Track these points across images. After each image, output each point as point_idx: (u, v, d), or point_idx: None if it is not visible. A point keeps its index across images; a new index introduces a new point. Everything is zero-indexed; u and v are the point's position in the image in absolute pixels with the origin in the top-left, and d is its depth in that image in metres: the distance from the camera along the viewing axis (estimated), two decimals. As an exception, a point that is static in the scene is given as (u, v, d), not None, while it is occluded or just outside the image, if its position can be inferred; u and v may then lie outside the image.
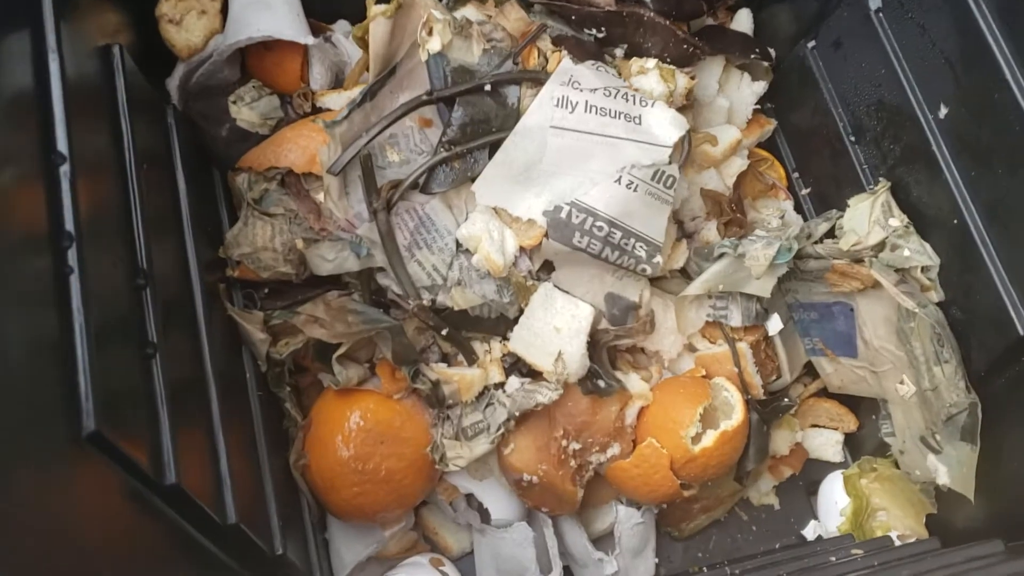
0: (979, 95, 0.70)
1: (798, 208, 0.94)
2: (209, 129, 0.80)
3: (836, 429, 0.92)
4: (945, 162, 0.75)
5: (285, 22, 0.78)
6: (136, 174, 0.61)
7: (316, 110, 0.82)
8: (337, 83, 0.84)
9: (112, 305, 0.53)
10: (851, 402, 0.90)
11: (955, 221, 0.74)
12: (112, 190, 0.59)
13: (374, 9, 0.72)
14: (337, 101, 0.81)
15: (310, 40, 0.78)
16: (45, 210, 0.50)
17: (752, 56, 0.89)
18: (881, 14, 0.80)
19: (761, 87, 0.92)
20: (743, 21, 0.97)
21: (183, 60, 0.81)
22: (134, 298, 0.57)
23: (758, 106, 0.93)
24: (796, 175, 0.95)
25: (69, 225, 0.50)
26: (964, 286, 0.75)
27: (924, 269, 0.78)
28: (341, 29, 0.86)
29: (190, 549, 0.59)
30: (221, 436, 0.64)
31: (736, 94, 0.91)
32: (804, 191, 0.94)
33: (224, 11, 0.81)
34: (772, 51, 0.94)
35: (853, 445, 0.92)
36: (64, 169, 0.51)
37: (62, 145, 0.52)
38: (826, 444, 0.92)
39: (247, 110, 0.80)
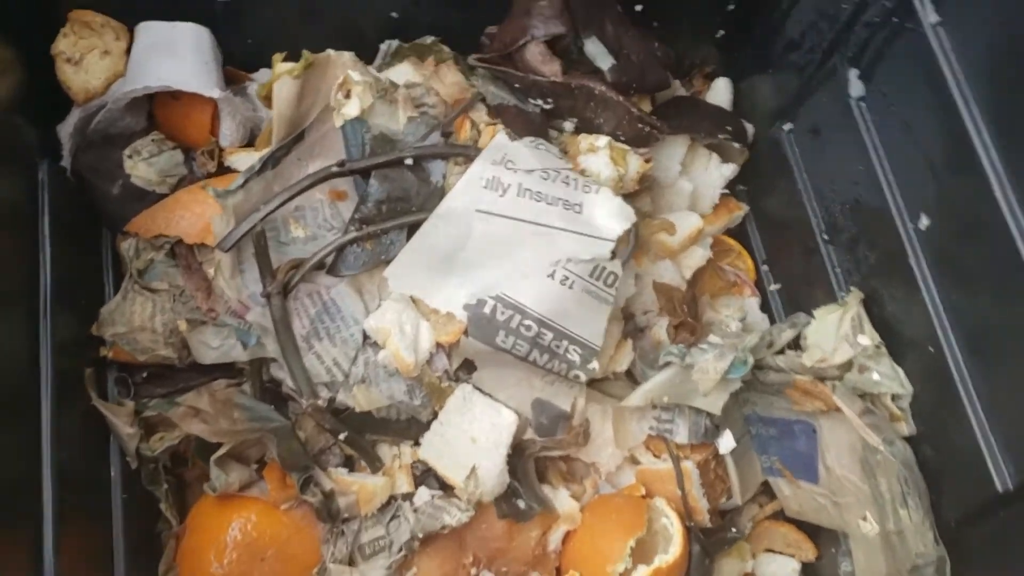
0: (964, 209, 0.61)
1: (765, 305, 0.85)
2: (99, 185, 0.71)
3: (792, 556, 0.82)
4: (924, 279, 0.65)
5: (191, 71, 0.70)
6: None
7: (224, 170, 0.73)
8: (250, 140, 0.75)
9: None
10: (810, 528, 0.80)
11: (931, 348, 0.65)
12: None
13: (279, 67, 0.63)
14: (247, 161, 0.72)
15: (216, 93, 0.70)
16: None
17: (722, 136, 0.80)
18: (863, 103, 0.71)
19: (731, 170, 0.83)
20: (721, 92, 0.89)
21: (79, 105, 0.72)
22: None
23: (727, 190, 0.84)
24: (766, 268, 0.86)
25: None
26: (939, 422, 0.66)
27: (895, 397, 0.68)
28: (263, 79, 0.77)
29: None
30: (51, 545, 0.55)
31: (702, 176, 0.82)
32: (773, 286, 0.85)
33: (128, 52, 0.73)
34: (750, 128, 0.85)
35: (811, 576, 0.82)
36: None
37: None
38: (780, 572, 0.82)
39: (144, 166, 0.71)
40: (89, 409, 0.64)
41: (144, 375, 0.68)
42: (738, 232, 0.88)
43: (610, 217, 0.67)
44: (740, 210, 0.86)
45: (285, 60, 0.64)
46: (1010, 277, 0.58)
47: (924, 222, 0.65)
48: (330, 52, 0.64)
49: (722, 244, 0.85)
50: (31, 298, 0.60)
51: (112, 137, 0.73)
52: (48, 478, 0.57)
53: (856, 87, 0.71)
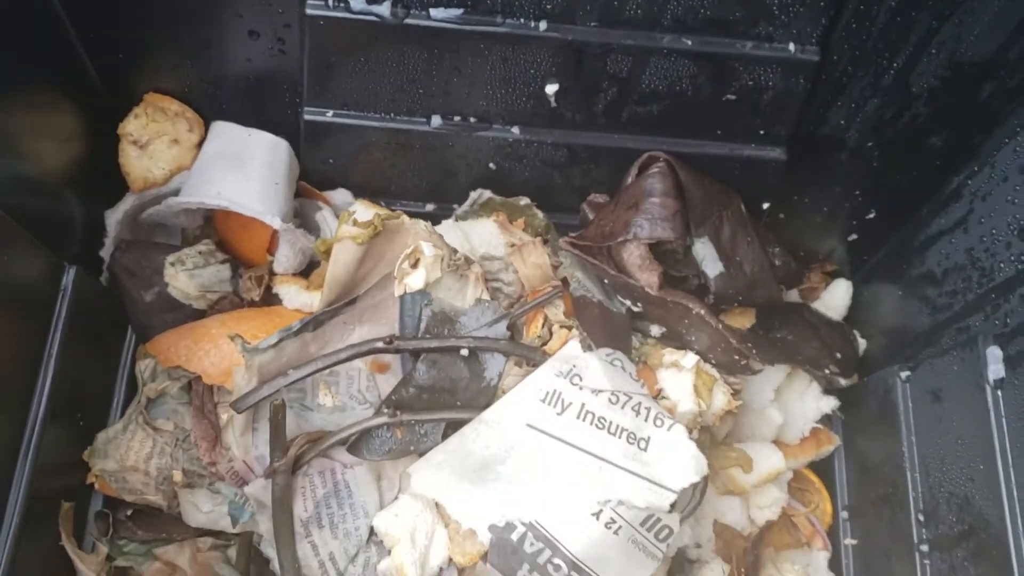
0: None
1: (837, 563, 0.74)
2: (132, 289, 0.65)
3: None
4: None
5: (257, 190, 0.63)
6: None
7: (269, 295, 0.66)
8: (306, 271, 0.68)
9: None
10: None
11: None
12: None
13: (344, 230, 0.56)
14: (295, 296, 0.65)
15: (278, 224, 0.63)
16: None
17: (827, 370, 0.70)
18: (1000, 391, 0.60)
19: (829, 404, 0.73)
20: (839, 295, 0.80)
21: (134, 192, 0.67)
22: None
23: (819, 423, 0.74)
24: (845, 516, 0.75)
25: None
26: None
27: None
28: (341, 199, 0.70)
29: None
30: None
31: (796, 405, 0.72)
32: (849, 541, 0.74)
33: (200, 145, 0.67)
34: (863, 344, 0.75)
35: None
36: None
37: None
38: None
39: (185, 277, 0.65)
40: (57, 547, 0.57)
41: (128, 513, 0.61)
42: (823, 465, 0.77)
43: (679, 464, 0.58)
44: (831, 444, 0.75)
45: (356, 220, 0.56)
46: None
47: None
48: (404, 219, 0.57)
49: (802, 478, 0.75)
50: (22, 410, 0.53)
51: (163, 227, 0.68)
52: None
53: (995, 368, 0.61)
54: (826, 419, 0.77)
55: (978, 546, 0.60)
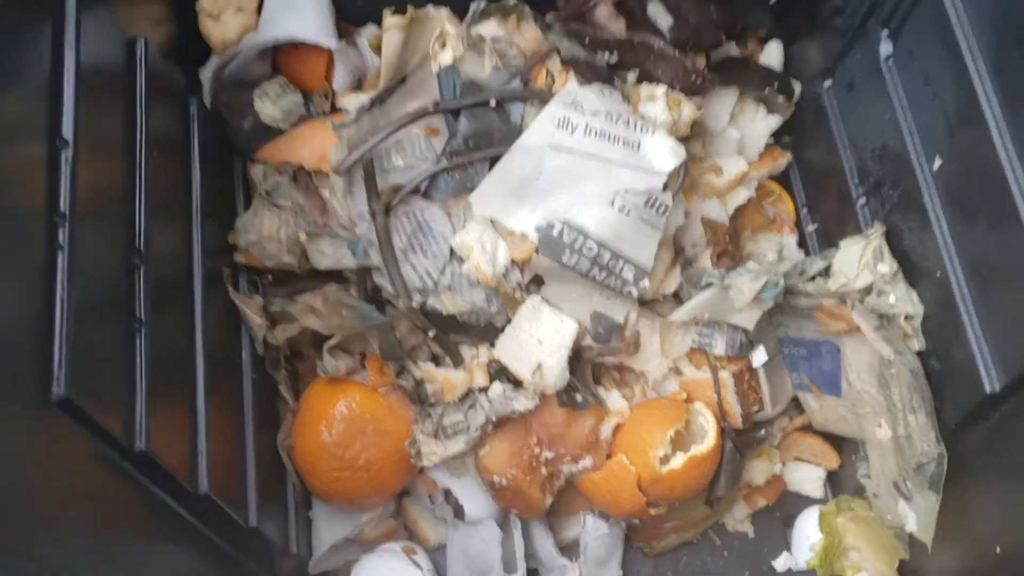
0: (969, 152, 0.71)
1: (803, 243, 0.95)
2: (233, 121, 0.85)
3: (819, 465, 0.93)
4: (935, 214, 0.75)
5: (312, 25, 0.83)
6: (145, 161, 0.66)
7: (335, 109, 0.86)
8: (358, 85, 0.88)
9: (100, 282, 0.58)
10: (835, 440, 0.91)
11: (939, 274, 0.75)
12: (117, 175, 0.63)
13: (388, 20, 0.76)
14: (355, 103, 0.84)
15: (333, 44, 0.82)
16: (44, 190, 0.54)
17: (768, 89, 0.90)
18: (891, 61, 0.80)
19: (775, 121, 0.93)
20: (773, 53, 0.98)
21: (217, 52, 0.86)
22: (127, 276, 0.62)
23: (771, 141, 0.94)
24: (805, 210, 0.96)
25: (64, 206, 0.55)
26: (943, 338, 0.76)
27: (908, 317, 0.78)
28: (368, 33, 0.90)
29: (164, 516, 0.64)
30: (203, 411, 0.69)
31: (749, 126, 0.92)
32: (811, 227, 0.95)
33: (259, 9, 0.86)
34: (798, 86, 0.95)
35: (834, 483, 0.93)
36: (66, 154, 0.56)
37: (67, 132, 0.57)
38: (808, 479, 0.93)
39: (270, 105, 0.85)
40: (228, 302, 0.78)
41: (269, 278, 0.82)
42: (782, 179, 0.98)
43: (664, 154, 0.78)
44: (784, 158, 0.96)
45: (393, 14, 0.77)
46: (1004, 213, 0.67)
47: (937, 163, 0.75)
48: (430, 9, 0.77)
49: (766, 188, 0.96)
50: (186, 209, 0.74)
51: (243, 81, 0.87)
52: (200, 353, 0.70)
53: (885, 47, 0.80)
54: (779, 144, 0.98)
55: (896, 176, 0.81)
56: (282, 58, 0.87)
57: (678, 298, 0.87)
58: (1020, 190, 0.66)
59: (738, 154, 0.91)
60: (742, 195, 0.90)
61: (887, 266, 0.80)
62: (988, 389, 0.70)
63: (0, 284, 0.49)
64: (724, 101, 0.89)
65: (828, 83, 0.90)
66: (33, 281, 0.52)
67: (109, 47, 0.66)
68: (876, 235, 0.81)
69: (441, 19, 0.77)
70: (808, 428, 0.92)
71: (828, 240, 0.92)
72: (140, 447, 0.59)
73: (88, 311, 0.55)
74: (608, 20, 0.80)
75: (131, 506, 0.60)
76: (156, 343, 0.63)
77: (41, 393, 0.51)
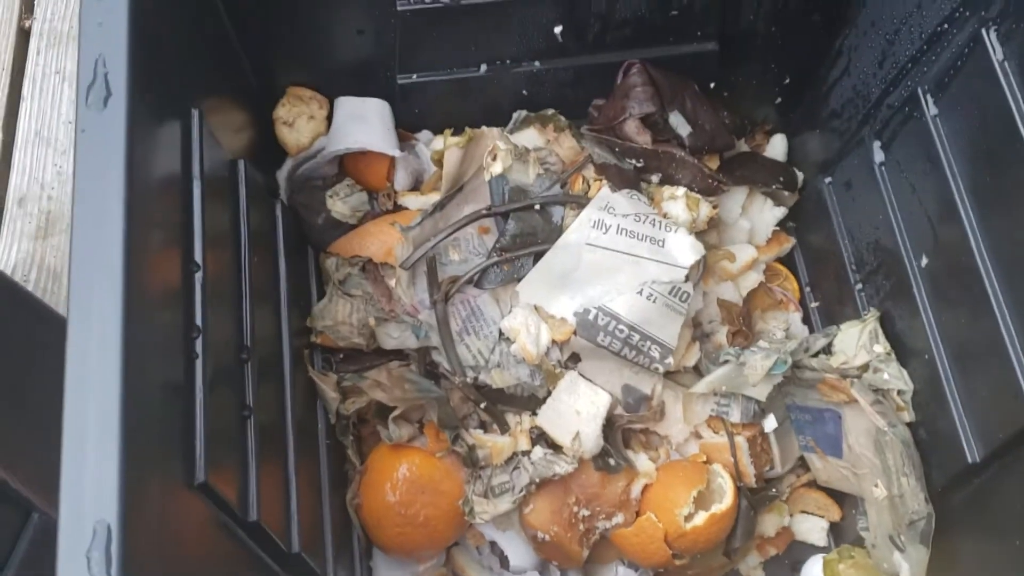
0: (951, 253, 0.82)
1: (807, 319, 1.07)
2: (308, 218, 0.97)
3: (822, 517, 1.04)
4: (923, 304, 0.86)
5: (378, 136, 0.95)
6: (248, 264, 0.78)
7: (396, 207, 0.99)
8: (416, 185, 1.00)
9: (223, 378, 0.69)
10: (837, 495, 1.02)
11: (927, 355, 0.86)
12: (230, 283, 0.75)
13: (449, 140, 0.88)
14: (414, 202, 0.97)
15: (396, 153, 0.95)
16: (183, 308, 0.66)
17: (775, 186, 1.02)
18: (883, 168, 0.92)
19: (781, 212, 1.05)
20: (777, 146, 1.11)
21: (291, 156, 0.98)
22: (239, 369, 0.73)
23: (778, 227, 1.06)
24: (808, 289, 1.08)
25: (199, 320, 0.66)
26: (931, 412, 0.87)
27: (900, 392, 0.90)
28: (424, 139, 1.02)
29: (263, 573, 0.75)
30: (293, 478, 0.80)
31: (758, 216, 1.04)
32: (814, 304, 1.07)
33: (329, 117, 0.98)
34: (800, 176, 1.07)
35: (836, 533, 1.04)
36: (198, 276, 0.68)
37: (198, 256, 0.68)
38: (813, 529, 1.04)
39: (341, 203, 0.97)
40: (307, 379, 0.89)
41: (341, 356, 0.94)
42: (787, 261, 1.09)
43: (686, 250, 0.90)
44: (789, 243, 1.08)
45: (452, 134, 0.89)
46: (980, 307, 0.78)
47: (924, 261, 0.86)
48: (484, 128, 0.89)
49: (773, 269, 1.07)
50: (276, 300, 0.85)
51: (312, 181, 0.99)
52: (290, 428, 0.82)
53: (878, 155, 0.92)
54: (784, 229, 1.09)
55: (888, 268, 0.92)
56: (348, 161, 0.99)
57: (697, 370, 0.98)
58: (992, 287, 0.77)
59: (748, 242, 1.03)
60: (752, 279, 1.02)
61: (881, 347, 0.92)
62: (970, 459, 0.81)
63: (153, 390, 0.61)
64: (736, 197, 1.01)
65: (828, 179, 1.02)
66: (178, 386, 0.63)
67: (219, 173, 0.78)
68: (872, 319, 0.93)
69: (493, 136, 0.89)
70: (813, 484, 1.03)
71: (829, 317, 1.04)
72: (253, 518, 0.70)
73: (215, 406, 0.66)
74: (636, 133, 0.92)
75: (242, 568, 0.71)
76: (261, 423, 0.74)
77: (186, 479, 0.62)
